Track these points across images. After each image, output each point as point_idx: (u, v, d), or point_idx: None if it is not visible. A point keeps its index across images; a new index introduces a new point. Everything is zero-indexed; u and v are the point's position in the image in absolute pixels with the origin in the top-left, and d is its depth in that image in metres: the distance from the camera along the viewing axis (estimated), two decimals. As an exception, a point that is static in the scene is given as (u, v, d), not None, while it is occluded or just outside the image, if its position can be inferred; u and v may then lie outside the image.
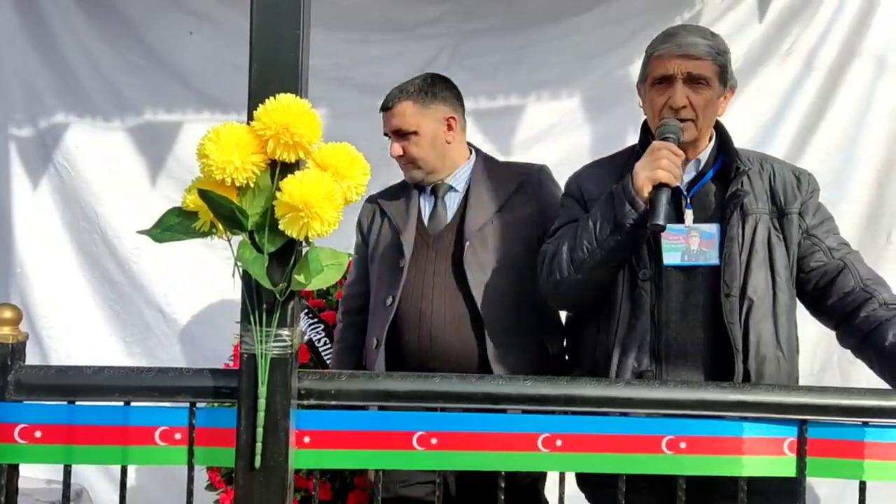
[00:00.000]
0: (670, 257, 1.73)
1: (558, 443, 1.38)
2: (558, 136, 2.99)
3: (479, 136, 3.04)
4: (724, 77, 1.74)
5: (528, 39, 3.03)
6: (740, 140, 2.00)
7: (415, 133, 2.12)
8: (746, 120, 2.84)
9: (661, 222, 1.58)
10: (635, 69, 3.00)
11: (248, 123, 1.25)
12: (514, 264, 2.04)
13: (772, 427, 1.40)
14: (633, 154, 1.80)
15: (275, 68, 1.26)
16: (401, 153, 2.15)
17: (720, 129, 1.82)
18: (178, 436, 1.37)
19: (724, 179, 1.75)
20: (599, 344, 1.80)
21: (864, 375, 2.66)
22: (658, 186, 1.62)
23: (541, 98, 3.02)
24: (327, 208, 1.19)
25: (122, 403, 1.36)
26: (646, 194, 1.63)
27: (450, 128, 2.17)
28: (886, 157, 2.84)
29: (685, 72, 1.70)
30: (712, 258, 1.71)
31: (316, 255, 1.23)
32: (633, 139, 3.00)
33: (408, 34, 3.09)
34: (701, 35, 1.74)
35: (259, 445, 1.27)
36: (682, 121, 1.71)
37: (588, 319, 1.85)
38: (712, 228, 1.73)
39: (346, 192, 1.24)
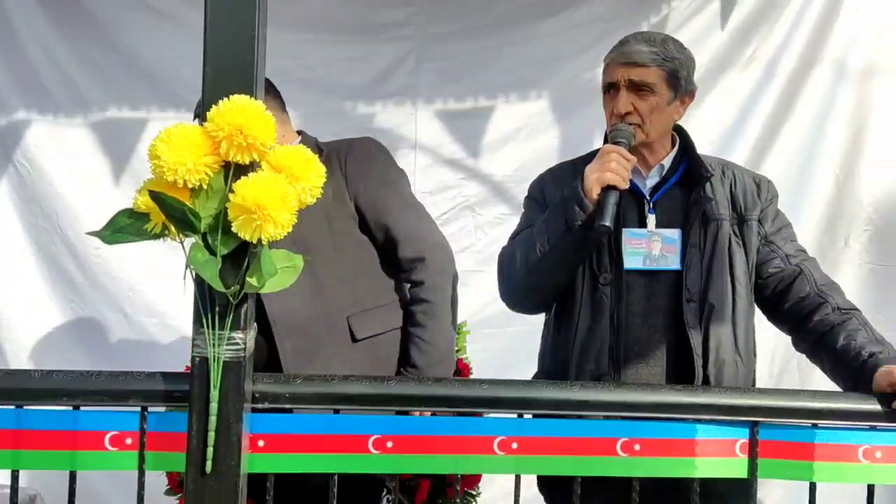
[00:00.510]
0: (632, 261, 1.75)
1: (514, 445, 1.38)
2: (526, 138, 3.01)
3: (447, 138, 3.06)
4: (675, 82, 1.74)
5: (496, 42, 3.04)
6: (703, 145, 2.02)
7: None
8: (709, 125, 2.87)
9: (607, 223, 1.59)
10: (601, 72, 3.05)
11: (201, 124, 1.24)
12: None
13: (724, 429, 1.42)
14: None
15: (229, 69, 1.25)
16: None
17: (683, 135, 1.84)
18: (128, 440, 1.35)
19: (687, 185, 1.78)
20: (559, 346, 1.82)
21: (822, 378, 2.72)
22: (607, 188, 1.63)
23: (509, 100, 3.03)
24: (281, 211, 1.18)
25: (70, 408, 1.34)
26: (594, 196, 1.64)
27: None
28: (845, 163, 2.90)
29: (627, 79, 1.73)
30: (673, 263, 1.73)
31: (269, 257, 1.22)
32: (600, 142, 3.05)
33: (375, 36, 3.08)
34: (647, 43, 1.75)
35: (210, 450, 1.26)
36: (633, 125, 1.73)
37: (548, 322, 1.86)
38: (674, 234, 1.75)
39: (300, 195, 1.23)
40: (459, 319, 2.66)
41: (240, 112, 1.20)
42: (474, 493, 2.42)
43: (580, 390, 1.40)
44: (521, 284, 1.80)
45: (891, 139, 2.88)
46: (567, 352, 1.78)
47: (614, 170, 1.63)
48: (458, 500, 2.30)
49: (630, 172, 1.67)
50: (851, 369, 1.54)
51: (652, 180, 1.81)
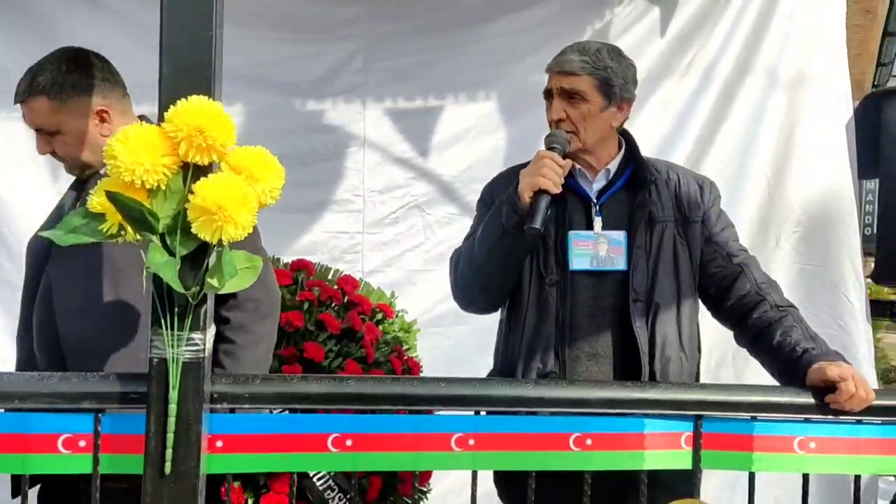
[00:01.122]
0: (579, 262, 1.80)
1: (471, 442, 1.41)
2: (475, 138, 3.05)
3: (396, 137, 3.08)
4: (607, 90, 1.79)
5: (445, 42, 3.07)
6: (644, 149, 2.08)
7: (58, 132, 1.82)
8: (650, 129, 2.96)
9: (536, 226, 1.64)
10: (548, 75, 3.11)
11: (158, 125, 1.23)
12: None
13: (670, 423, 1.48)
14: None
15: (186, 70, 1.25)
16: (49, 151, 1.87)
17: (629, 140, 1.90)
18: (82, 443, 1.33)
19: (633, 188, 1.84)
20: (509, 345, 1.87)
21: (755, 373, 2.84)
22: (538, 192, 1.68)
23: (458, 100, 3.07)
24: (242, 212, 1.19)
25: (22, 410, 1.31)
26: (527, 199, 1.69)
27: (102, 120, 1.83)
28: (776, 168, 3.02)
29: (559, 87, 1.80)
30: (619, 264, 1.79)
31: (230, 258, 1.22)
32: (546, 144, 3.11)
33: (324, 34, 3.08)
34: (580, 52, 1.80)
35: (170, 451, 1.25)
36: (566, 132, 1.79)
37: (501, 321, 1.91)
38: (620, 235, 1.81)
39: (260, 196, 1.23)
40: (410, 318, 2.70)
41: (199, 113, 1.20)
42: (425, 489, 2.45)
43: (535, 387, 1.45)
44: (468, 286, 1.86)
45: (818, 145, 3.02)
46: (515, 350, 1.83)
47: (546, 175, 1.68)
48: (411, 498, 2.33)
49: (562, 177, 1.71)
50: (787, 364, 1.63)
51: (598, 184, 1.86)
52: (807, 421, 1.51)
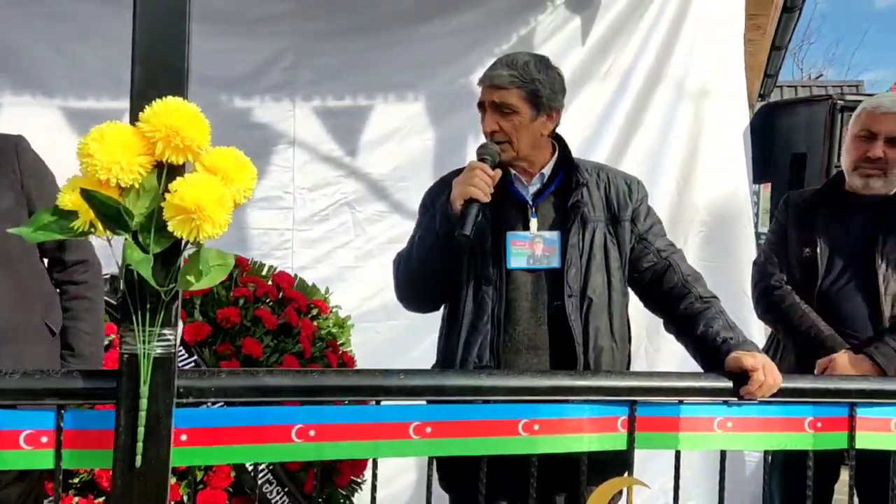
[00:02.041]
0: (516, 261, 1.92)
1: (428, 430, 1.50)
2: (404, 138, 3.12)
3: (326, 135, 3.11)
4: (536, 102, 1.90)
5: (375, 42, 3.13)
6: (566, 152, 2.22)
7: None
8: (572, 133, 3.09)
9: (466, 232, 1.75)
10: (476, 78, 3.21)
11: (132, 124, 1.25)
12: None
13: (608, 408, 1.61)
14: None
15: (160, 71, 1.27)
16: None
17: (562, 145, 2.03)
18: (44, 439, 1.33)
19: (566, 190, 1.96)
20: (449, 340, 1.97)
21: (665, 363, 3.06)
22: (469, 201, 1.79)
23: (387, 100, 3.13)
24: (219, 211, 1.22)
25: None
26: (458, 207, 1.80)
27: None
28: (684, 172, 3.24)
29: (490, 100, 1.90)
30: (553, 262, 1.92)
31: (205, 256, 1.26)
32: (473, 146, 3.22)
33: (253, 29, 3.08)
34: (508, 66, 1.90)
35: (140, 445, 1.27)
36: (499, 143, 1.89)
37: (443, 317, 2.00)
38: (554, 235, 1.93)
39: (235, 196, 1.27)
40: (343, 313, 2.75)
41: (176, 114, 1.22)
42: (360, 480, 2.52)
43: (489, 377, 1.54)
44: (409, 287, 1.98)
45: (720, 151, 3.27)
46: (454, 346, 1.93)
47: (476, 184, 1.79)
48: (347, 489, 2.39)
49: (491, 187, 1.82)
50: (709, 353, 1.80)
51: (534, 187, 1.98)
52: (725, 403, 1.68)
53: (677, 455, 1.68)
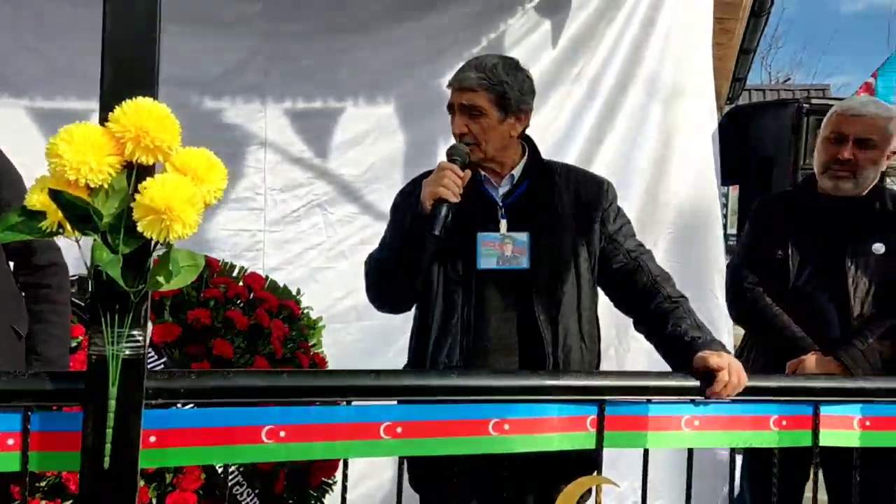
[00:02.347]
0: (486, 262, 1.93)
1: (398, 430, 1.50)
2: (375, 140, 3.12)
3: (298, 137, 3.10)
4: (504, 104, 1.91)
5: (347, 44, 3.12)
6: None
7: None
8: (543, 134, 3.13)
9: (436, 232, 1.77)
10: (447, 81, 3.22)
11: (101, 125, 1.24)
12: None
13: (577, 407, 1.63)
14: None
15: (130, 71, 1.27)
16: None
17: (532, 146, 2.04)
18: (10, 441, 1.32)
19: (536, 191, 1.98)
20: (420, 341, 1.98)
21: (633, 364, 3.09)
22: (439, 201, 1.80)
23: (358, 102, 3.13)
24: (189, 212, 1.22)
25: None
26: (428, 207, 1.81)
27: None
28: (654, 173, 3.29)
29: (459, 103, 1.92)
30: (523, 263, 1.93)
31: (175, 257, 1.25)
32: (445, 148, 3.22)
33: (224, 30, 3.06)
34: (476, 69, 1.92)
35: (108, 447, 1.26)
36: (468, 145, 1.91)
37: (414, 318, 2.01)
38: (523, 236, 1.94)
39: (205, 196, 1.27)
40: (314, 314, 2.75)
41: (146, 114, 1.22)
42: (331, 481, 2.51)
43: (459, 377, 1.55)
44: (378, 287, 1.99)
45: (689, 153, 3.31)
46: (424, 346, 1.95)
47: (446, 185, 1.80)
48: (318, 490, 2.39)
49: (461, 187, 1.83)
50: (677, 352, 1.82)
51: (504, 188, 2.00)
52: (692, 402, 1.70)
53: (645, 454, 1.70)
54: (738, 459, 3.08)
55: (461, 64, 1.98)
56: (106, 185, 1.23)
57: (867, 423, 1.75)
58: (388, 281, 1.94)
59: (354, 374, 1.50)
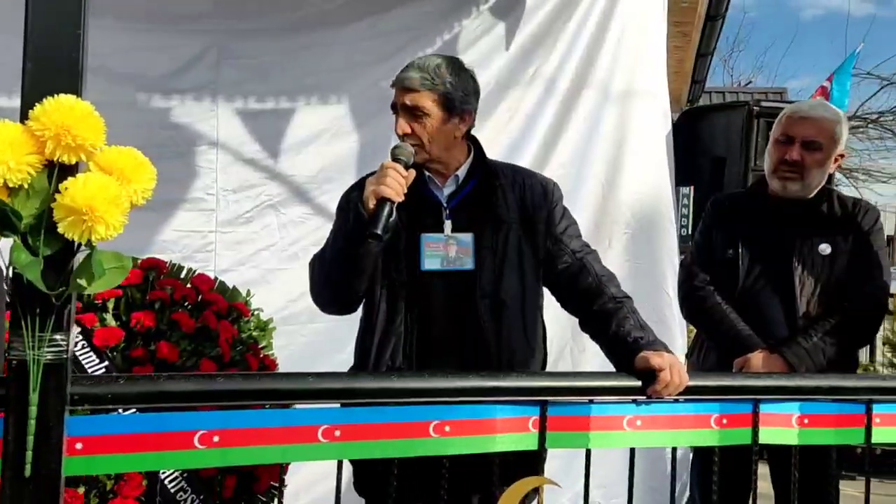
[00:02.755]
0: (430, 263, 1.92)
1: (337, 433, 1.48)
2: (328, 141, 3.09)
3: (250, 136, 3.06)
4: (448, 104, 1.90)
5: (300, 43, 3.09)
6: (492, 154, 2.23)
7: None
8: (497, 136, 3.15)
9: (377, 232, 1.75)
10: (398, 82, 3.20)
11: (22, 122, 1.20)
12: None
13: (519, 408, 1.62)
14: None
15: (53, 68, 1.23)
16: None
17: (478, 147, 2.04)
18: (-71, 450, 1.27)
19: (481, 192, 1.97)
20: (364, 343, 1.97)
21: (588, 364, 3.11)
22: (381, 200, 1.78)
23: (311, 103, 3.10)
24: (113, 212, 1.19)
25: None
26: (370, 206, 1.79)
27: None
28: (609, 174, 3.31)
29: (402, 103, 1.91)
30: (467, 264, 1.92)
31: (99, 258, 1.22)
32: (400, 149, 3.20)
33: (173, 27, 3.00)
34: (420, 69, 1.91)
35: (29, 454, 1.22)
36: (413, 145, 1.89)
37: (360, 319, 1.99)
38: (467, 237, 1.94)
39: (132, 196, 1.24)
40: (265, 316, 2.71)
41: (68, 112, 1.18)
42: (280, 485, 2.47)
43: (399, 379, 1.54)
44: (321, 288, 1.96)
45: (644, 155, 3.34)
46: (368, 348, 1.94)
47: (388, 184, 1.78)
48: (266, 494, 2.35)
49: (404, 187, 1.81)
50: (620, 352, 1.83)
51: (448, 189, 1.99)
52: (634, 402, 1.71)
53: (588, 454, 1.70)
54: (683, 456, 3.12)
55: None
56: (26, 185, 1.20)
57: (805, 421, 1.77)
58: (330, 282, 1.92)
59: (291, 377, 1.48)
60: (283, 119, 3.08)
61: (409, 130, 1.89)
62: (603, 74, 3.29)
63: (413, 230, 1.90)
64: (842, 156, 2.51)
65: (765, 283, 2.42)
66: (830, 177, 3.49)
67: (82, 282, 1.20)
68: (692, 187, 4.04)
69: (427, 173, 1.96)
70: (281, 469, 1.51)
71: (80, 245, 1.23)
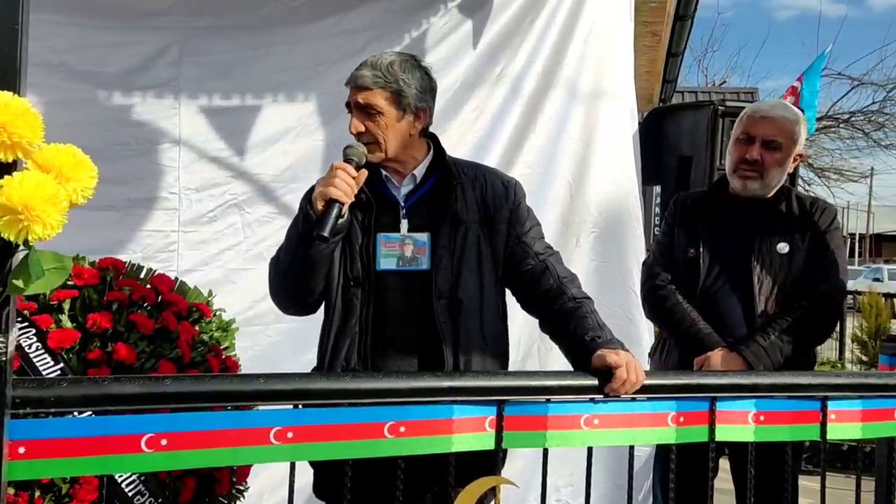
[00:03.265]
0: (386, 263, 1.91)
1: (289, 435, 1.46)
2: (294, 139, 3.06)
3: (214, 135, 3.02)
4: (400, 101, 1.89)
5: (264, 41, 3.06)
6: (458, 153, 2.23)
7: None
8: (464, 135, 3.14)
9: (324, 233, 1.73)
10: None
11: (-45, 119, 1.17)
12: None
13: (476, 408, 1.61)
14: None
15: (-11, 63, 1.20)
16: None
17: (437, 144, 2.02)
18: None
19: (439, 191, 1.96)
20: (322, 343, 1.97)
21: (555, 363, 3.11)
22: (330, 201, 1.76)
23: (277, 100, 3.07)
24: (51, 211, 1.16)
25: None
26: (319, 208, 1.77)
27: None
28: (576, 174, 3.31)
29: (355, 101, 1.90)
30: (423, 264, 1.91)
31: (37, 258, 1.19)
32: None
33: (134, 23, 2.96)
34: (371, 67, 1.89)
35: (-33, 460, 1.19)
36: (367, 144, 1.88)
37: (323, 320, 1.98)
38: (423, 237, 1.92)
39: (71, 195, 1.21)
40: (229, 316, 2.68)
41: (3, 109, 1.15)
42: (242, 488, 2.45)
43: (352, 380, 1.52)
44: (278, 288, 1.96)
45: (611, 154, 3.35)
46: (325, 348, 1.93)
47: (337, 185, 1.76)
48: (227, 497, 2.32)
49: (354, 188, 1.79)
50: (578, 351, 1.83)
51: (406, 188, 1.97)
52: (591, 401, 1.71)
53: (545, 453, 1.70)
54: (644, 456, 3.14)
55: None
56: (-40, 184, 1.16)
57: (761, 418, 1.78)
58: (285, 283, 1.90)
59: (240, 378, 1.46)
60: (248, 117, 3.05)
61: (362, 129, 1.88)
62: (570, 74, 3.29)
63: (369, 230, 1.88)
64: (801, 155, 2.53)
65: (724, 282, 2.44)
66: (794, 177, 3.52)
67: (19, 283, 1.17)
68: (660, 186, 4.06)
69: (384, 172, 1.94)
70: (232, 472, 1.48)
71: (17, 245, 1.20)
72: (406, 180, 1.96)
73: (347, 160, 1.82)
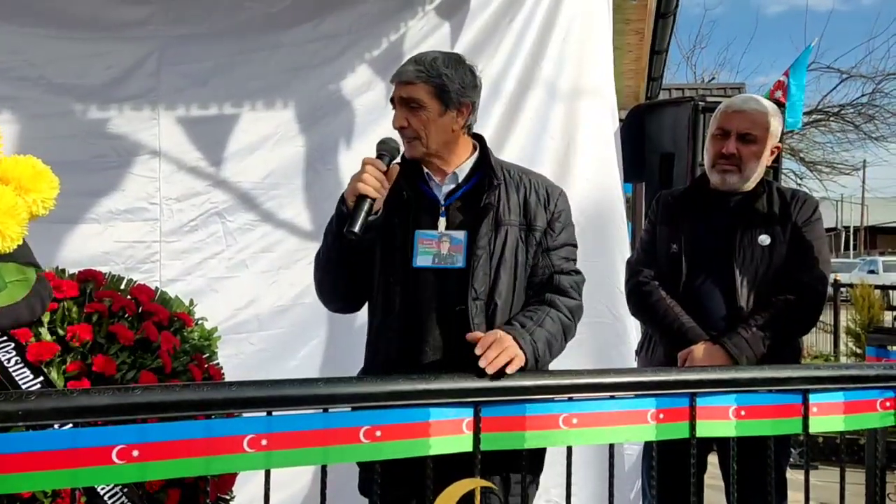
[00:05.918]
0: (422, 260, 1.92)
1: (263, 442, 1.45)
2: (274, 146, 3.05)
3: (193, 144, 3.01)
4: (444, 96, 1.91)
5: (242, 48, 3.05)
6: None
7: None
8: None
9: (354, 229, 1.74)
10: (347, 83, 3.17)
11: (-88, 132, 1.16)
12: None
13: (453, 410, 1.60)
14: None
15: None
16: None
17: (482, 144, 2.03)
18: None
19: (481, 191, 1.96)
20: (367, 338, 2.01)
21: (554, 363, 3.10)
22: (361, 197, 1.77)
23: (255, 107, 3.06)
24: (9, 223, 1.15)
25: None
26: (350, 204, 1.78)
27: None
28: (557, 173, 3.30)
29: (399, 96, 1.92)
30: (458, 262, 1.91)
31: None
32: (345, 151, 3.18)
33: (112, 34, 2.94)
34: (416, 63, 1.92)
35: (-68, 477, 1.18)
36: (409, 139, 1.90)
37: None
38: (460, 234, 1.93)
39: (31, 207, 1.20)
40: (213, 325, 2.67)
41: (-41, 120, 1.15)
42: (228, 497, 2.43)
43: (325, 386, 1.51)
44: (319, 284, 2.00)
45: (592, 152, 3.35)
46: (369, 346, 1.97)
47: (366, 181, 1.78)
48: (210, 507, 2.31)
49: (384, 184, 1.81)
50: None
51: (447, 187, 1.99)
52: (570, 400, 1.70)
53: (522, 453, 1.69)
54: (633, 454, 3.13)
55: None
56: (-82, 198, 1.15)
57: (742, 413, 1.77)
58: (325, 278, 1.95)
59: (211, 387, 1.45)
60: (227, 125, 3.03)
61: (405, 124, 1.89)
62: (549, 73, 3.29)
63: (409, 227, 1.90)
64: (778, 147, 2.54)
65: (707, 276, 2.44)
66: (777, 171, 3.53)
67: (-21, 296, 1.16)
68: (644, 183, 4.06)
69: (426, 169, 1.95)
70: (206, 483, 1.47)
71: (-21, 258, 1.19)
72: (448, 179, 1.98)
73: (379, 155, 1.84)
